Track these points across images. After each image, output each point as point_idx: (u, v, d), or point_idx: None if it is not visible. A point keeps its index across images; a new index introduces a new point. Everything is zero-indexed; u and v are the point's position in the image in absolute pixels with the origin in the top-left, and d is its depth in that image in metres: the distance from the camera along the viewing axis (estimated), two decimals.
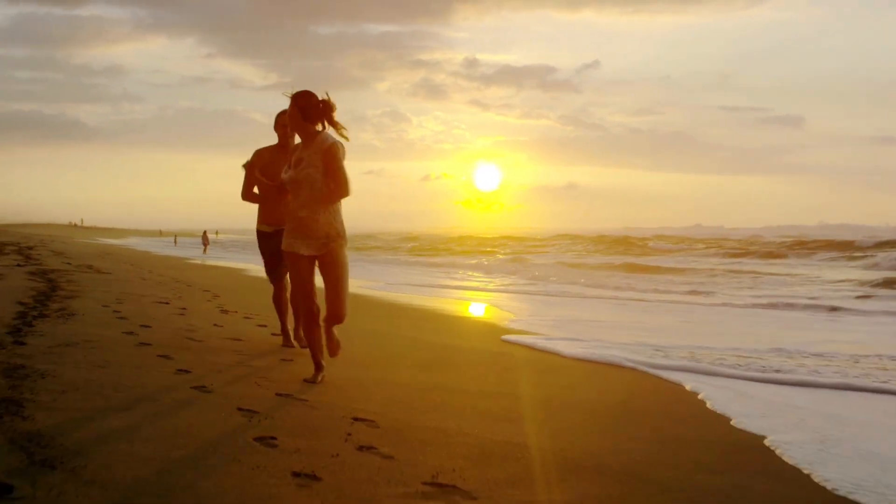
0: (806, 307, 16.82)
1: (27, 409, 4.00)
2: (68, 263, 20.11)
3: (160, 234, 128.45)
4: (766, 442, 5.27)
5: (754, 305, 17.45)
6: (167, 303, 11.05)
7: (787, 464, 4.76)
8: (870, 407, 6.77)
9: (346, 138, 5.95)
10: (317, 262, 5.97)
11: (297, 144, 6.12)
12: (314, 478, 3.40)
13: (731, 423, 5.87)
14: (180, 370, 5.72)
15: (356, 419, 4.66)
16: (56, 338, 6.62)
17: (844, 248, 40.39)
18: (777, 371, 8.22)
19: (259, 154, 7.32)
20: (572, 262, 39.04)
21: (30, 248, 30.42)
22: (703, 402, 6.63)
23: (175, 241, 75.53)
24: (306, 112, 5.91)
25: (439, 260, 43.14)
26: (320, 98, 5.93)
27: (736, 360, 8.93)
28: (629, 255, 44.33)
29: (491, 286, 22.80)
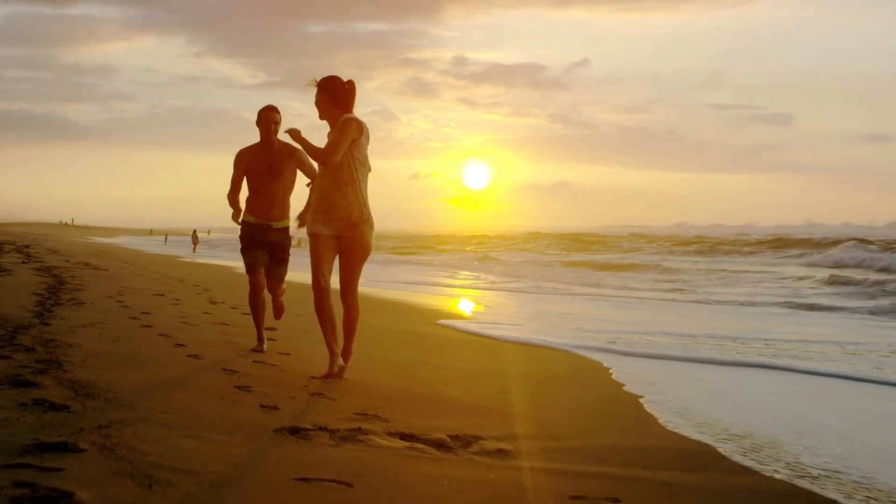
0: (741, 304, 18.36)
1: (64, 366, 5.39)
2: (67, 261, 21.43)
3: (151, 233, 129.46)
4: (641, 400, 6.69)
5: (696, 301, 18.97)
6: (162, 295, 12.44)
7: (647, 412, 6.18)
8: (749, 379, 8.17)
9: None
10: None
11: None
12: (275, 408, 4.80)
13: (624, 388, 7.29)
14: (177, 345, 7.11)
15: (312, 378, 6.07)
16: (73, 321, 8.01)
17: (802, 245, 42.02)
18: (684, 351, 9.67)
19: (241, 155, 7.37)
20: (534, 259, 40.81)
21: (27, 246, 31.64)
22: (610, 374, 8.05)
23: (166, 240, 76.70)
24: (335, 97, 5.98)
25: (414, 258, 44.77)
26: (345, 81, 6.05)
27: (658, 341, 10.39)
28: (589, 253, 46.42)
29: (451, 281, 24.40)
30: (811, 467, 4.68)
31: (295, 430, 4.26)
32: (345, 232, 6.00)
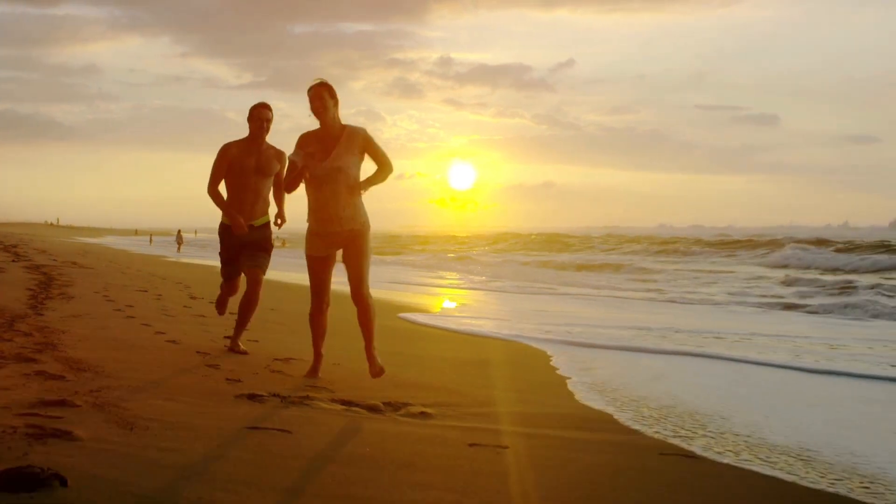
0: (697, 301, 19.37)
1: (59, 348, 6.26)
2: (54, 260, 22.23)
3: (136, 233, 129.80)
4: (568, 381, 7.60)
5: (650, 299, 19.95)
6: (146, 291, 13.30)
7: (568, 390, 7.09)
8: (686, 366, 9.05)
9: None
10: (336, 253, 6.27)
11: (306, 135, 6.12)
12: (238, 381, 5.69)
13: (557, 371, 8.20)
14: (158, 332, 7.99)
15: (276, 359, 6.96)
16: (64, 312, 8.88)
17: (769, 245, 43.30)
18: (629, 342, 10.60)
19: (227, 148, 7.19)
20: (509, 259, 42.03)
21: (14, 246, 32.35)
22: (549, 360, 8.96)
23: (150, 241, 77.26)
24: (336, 99, 6.05)
25: (390, 258, 45.90)
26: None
27: (612, 334, 11.32)
28: (555, 253, 48.09)
29: (421, 279, 25.38)
30: (692, 431, 5.58)
31: (252, 396, 5.16)
32: (348, 243, 6.10)
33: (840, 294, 19.50)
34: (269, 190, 7.28)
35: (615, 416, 5.94)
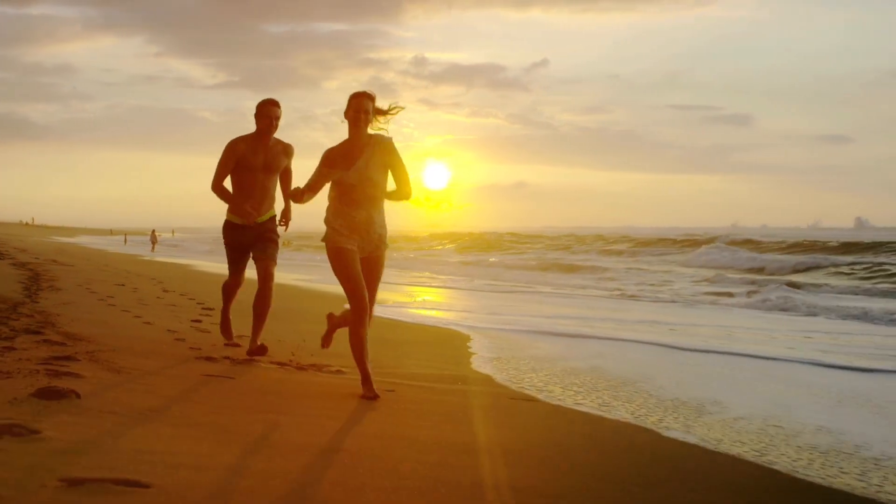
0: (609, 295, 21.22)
1: (57, 325, 7.90)
2: (36, 258, 23.73)
3: (110, 232, 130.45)
4: (473, 357, 9.29)
5: (580, 295, 21.79)
6: (123, 285, 14.92)
7: (469, 362, 8.79)
8: (580, 348, 10.78)
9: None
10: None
11: (341, 144, 5.97)
12: (199, 349, 7.35)
13: (469, 348, 9.89)
14: (136, 316, 9.63)
15: (238, 336, 8.62)
16: (55, 300, 10.50)
17: (682, 244, 45.76)
18: (536, 329, 12.33)
19: (235, 144, 7.12)
20: (464, 259, 44.02)
21: None
22: (467, 341, 10.65)
23: (125, 240, 78.43)
24: (377, 112, 5.98)
25: None
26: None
27: (542, 323, 13.06)
28: (488, 252, 50.50)
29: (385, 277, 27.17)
30: (547, 386, 7.27)
31: (209, 358, 6.84)
32: (374, 251, 6.00)
33: (710, 289, 21.37)
34: (276, 186, 7.29)
35: (494, 377, 7.64)
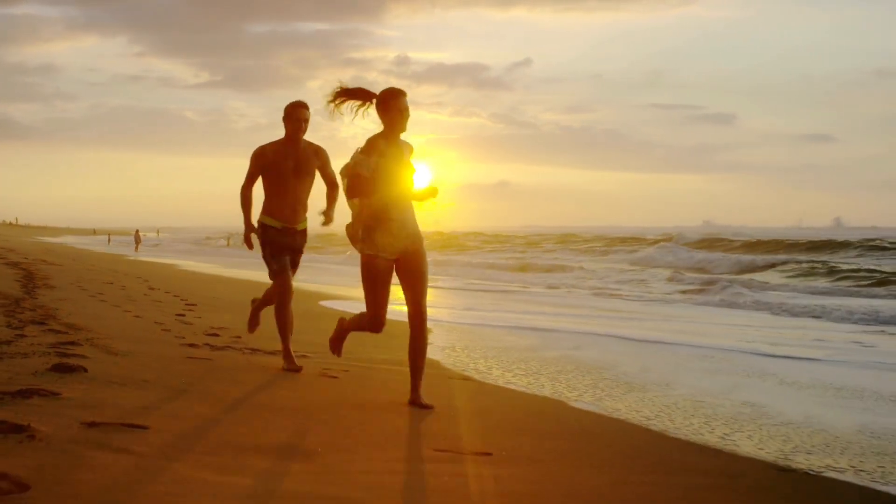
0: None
1: (57, 317, 8.98)
2: (25, 258, 24.74)
3: (94, 232, 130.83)
4: (439, 354, 10.40)
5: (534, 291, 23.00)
6: (111, 283, 15.99)
7: (428, 357, 9.90)
8: (535, 339, 11.92)
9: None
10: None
11: (373, 140, 5.78)
12: (183, 338, 8.45)
13: (429, 345, 11.00)
14: (125, 311, 10.72)
15: (212, 328, 9.73)
16: (52, 297, 11.57)
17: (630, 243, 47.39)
18: (476, 319, 13.48)
19: (262, 152, 6.98)
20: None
21: None
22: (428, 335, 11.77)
23: (109, 240, 79.17)
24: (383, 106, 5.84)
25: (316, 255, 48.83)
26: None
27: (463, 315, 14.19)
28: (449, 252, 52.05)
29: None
30: (483, 368, 8.39)
31: (191, 345, 7.95)
32: (409, 248, 5.82)
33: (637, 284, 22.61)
34: (308, 192, 7.14)
35: (441, 362, 8.76)
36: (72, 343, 6.97)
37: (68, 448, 3.68)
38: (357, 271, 6.14)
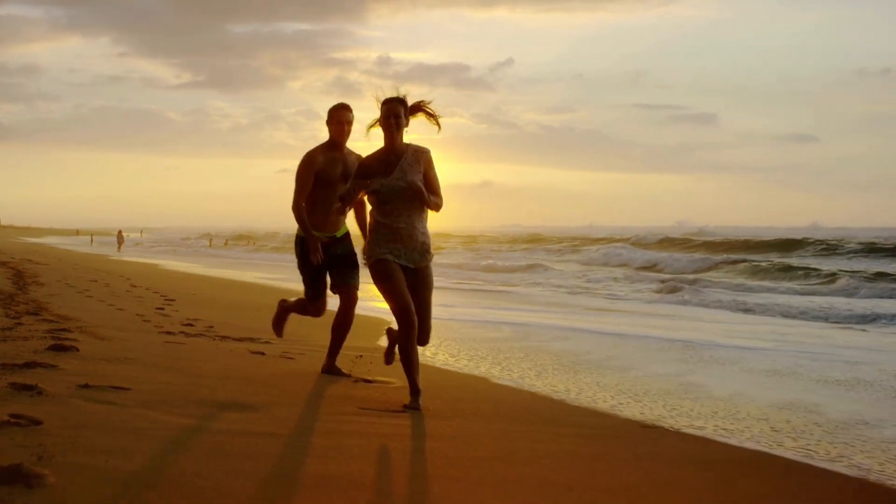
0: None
1: (50, 310, 10.06)
2: (12, 258, 25.72)
3: (77, 233, 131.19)
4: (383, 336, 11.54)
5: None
6: (95, 281, 17.05)
7: (375, 338, 11.04)
8: (492, 332, 13.05)
9: (438, 125, 6.01)
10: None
11: (377, 152, 5.90)
12: (161, 327, 9.55)
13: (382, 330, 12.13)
14: (110, 305, 11.80)
15: (188, 318, 10.82)
16: (42, 293, 12.64)
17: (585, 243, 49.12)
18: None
19: (313, 156, 6.71)
20: None
21: None
22: (388, 324, 12.88)
23: (91, 241, 79.87)
24: (408, 114, 5.86)
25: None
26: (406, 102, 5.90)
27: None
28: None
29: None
30: (437, 356, 9.52)
31: (168, 332, 9.05)
32: (420, 261, 5.81)
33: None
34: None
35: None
36: (64, 330, 8.06)
37: (68, 401, 4.80)
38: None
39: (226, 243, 74.24)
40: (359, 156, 6.60)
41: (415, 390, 5.78)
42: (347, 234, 6.99)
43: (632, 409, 6.67)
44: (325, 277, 6.89)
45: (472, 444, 4.92)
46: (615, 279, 26.71)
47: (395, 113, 5.80)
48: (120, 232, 65.32)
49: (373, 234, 5.83)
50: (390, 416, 5.53)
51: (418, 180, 5.70)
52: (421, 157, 5.82)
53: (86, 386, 5.27)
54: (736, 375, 8.75)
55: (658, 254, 38.23)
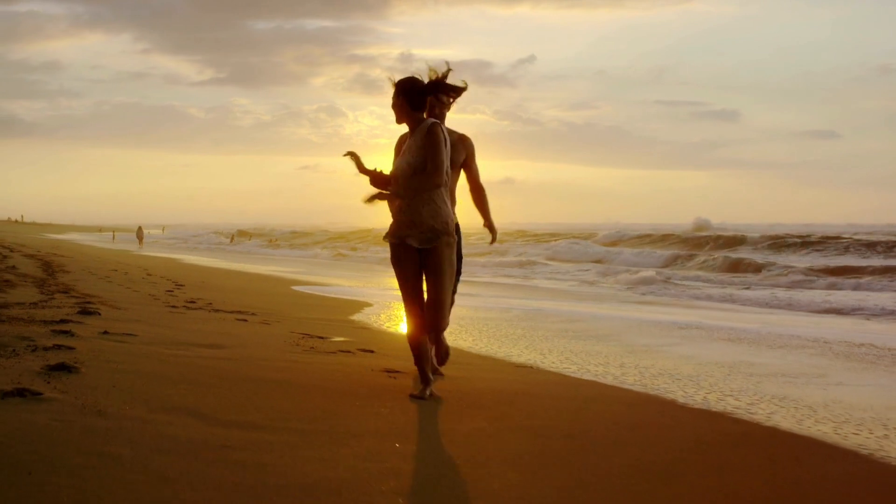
0: None
1: (77, 290, 12.12)
2: (38, 251, 27.92)
3: (99, 230, 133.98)
4: (358, 313, 13.55)
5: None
6: (116, 271, 19.15)
7: (351, 317, 13.05)
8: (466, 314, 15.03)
9: (464, 85, 5.81)
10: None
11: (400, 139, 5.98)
12: (173, 304, 11.60)
13: (364, 311, 14.14)
14: (127, 288, 13.87)
15: (190, 299, 12.87)
16: (69, 278, 14.72)
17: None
18: None
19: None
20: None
21: None
22: (370, 306, 14.89)
23: (113, 237, 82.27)
24: (413, 100, 5.58)
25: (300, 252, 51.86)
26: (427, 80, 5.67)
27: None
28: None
29: (330, 269, 31.40)
30: (394, 325, 11.48)
31: (174, 306, 11.08)
32: (426, 243, 5.57)
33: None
34: (456, 184, 6.48)
35: (356, 319, 11.87)
36: (88, 302, 10.11)
37: (92, 340, 6.81)
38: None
39: (231, 239, 75.85)
40: (460, 135, 6.47)
41: (424, 379, 5.71)
42: (457, 228, 6.24)
43: (547, 363, 8.59)
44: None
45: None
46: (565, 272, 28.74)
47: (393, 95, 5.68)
48: (140, 228, 67.45)
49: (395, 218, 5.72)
50: (362, 354, 7.51)
51: (419, 159, 5.51)
52: (420, 130, 5.61)
53: (105, 332, 7.30)
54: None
55: (611, 248, 40.55)
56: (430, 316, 5.61)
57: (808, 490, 4.02)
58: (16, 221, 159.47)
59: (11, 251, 26.44)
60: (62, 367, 5.22)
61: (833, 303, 17.33)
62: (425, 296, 5.69)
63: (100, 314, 8.81)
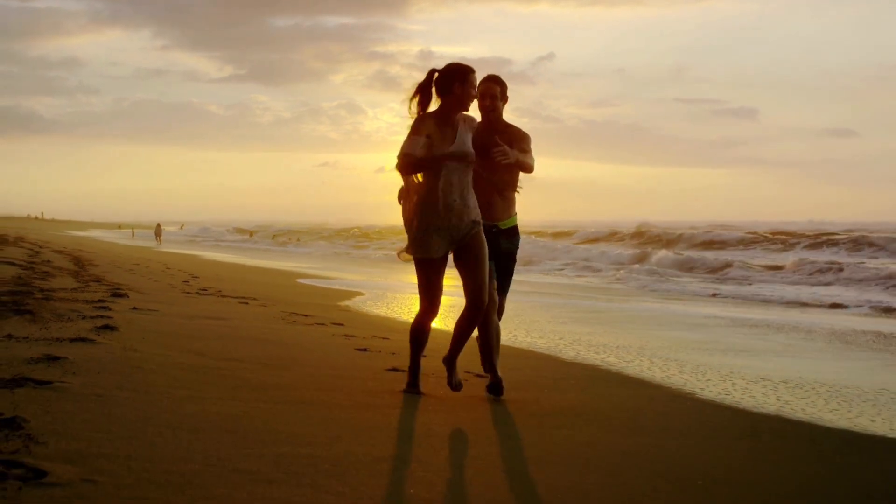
0: None
1: (106, 280, 14.25)
2: (64, 247, 30.17)
3: (119, 227, 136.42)
4: (349, 300, 15.64)
5: None
6: (137, 264, 21.35)
7: (342, 304, 15.14)
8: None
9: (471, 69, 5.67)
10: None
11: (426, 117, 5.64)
12: (188, 290, 13.74)
13: (354, 299, 16.23)
14: (149, 279, 16.02)
15: (202, 287, 15.01)
16: (98, 269, 16.89)
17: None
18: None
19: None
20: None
21: (21, 238, 39.99)
22: (361, 295, 16.98)
23: (133, 234, 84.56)
24: (440, 86, 5.60)
25: (306, 249, 53.91)
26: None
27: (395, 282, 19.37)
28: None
29: (338, 264, 33.46)
30: (376, 309, 13.56)
31: (188, 292, 13.22)
32: (464, 239, 5.58)
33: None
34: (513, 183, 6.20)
35: (340, 304, 13.96)
36: (118, 288, 12.24)
37: (127, 315, 8.93)
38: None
39: (294, 238, 77.18)
40: (515, 129, 6.28)
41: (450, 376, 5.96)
42: (514, 228, 6.27)
43: (526, 343, 10.69)
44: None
45: None
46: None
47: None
48: (158, 225, 69.58)
49: (419, 217, 5.71)
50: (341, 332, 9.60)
51: (469, 151, 5.67)
52: (469, 121, 5.82)
53: (134, 308, 9.44)
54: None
55: (591, 246, 42.80)
56: (475, 296, 5.63)
57: None
58: (36, 218, 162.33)
59: (40, 247, 28.67)
60: (106, 328, 7.35)
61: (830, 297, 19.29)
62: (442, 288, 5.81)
63: (128, 297, 10.94)
